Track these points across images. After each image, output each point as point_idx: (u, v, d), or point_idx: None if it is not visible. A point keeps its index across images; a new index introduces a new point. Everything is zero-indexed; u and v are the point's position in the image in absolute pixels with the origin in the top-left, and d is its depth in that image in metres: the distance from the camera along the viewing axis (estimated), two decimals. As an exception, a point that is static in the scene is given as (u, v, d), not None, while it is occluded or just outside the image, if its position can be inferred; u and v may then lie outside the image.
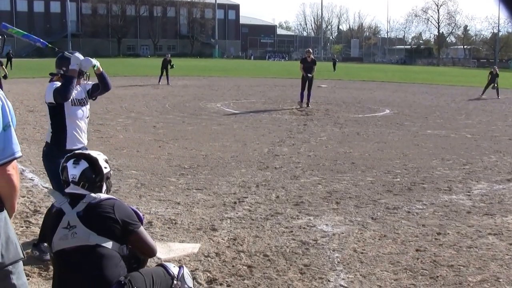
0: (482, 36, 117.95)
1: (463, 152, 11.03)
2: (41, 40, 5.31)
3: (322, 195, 7.44)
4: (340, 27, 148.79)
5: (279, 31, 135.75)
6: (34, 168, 8.68)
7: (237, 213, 6.51)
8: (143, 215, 3.33)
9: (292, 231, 5.88)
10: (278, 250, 5.30)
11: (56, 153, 4.99)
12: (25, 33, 5.27)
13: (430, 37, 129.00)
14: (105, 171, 3.35)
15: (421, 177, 8.65)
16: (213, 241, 5.54)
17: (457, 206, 7.02)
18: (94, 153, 3.38)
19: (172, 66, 29.70)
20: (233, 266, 4.88)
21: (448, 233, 5.93)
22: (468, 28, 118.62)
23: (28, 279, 4.47)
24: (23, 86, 22.17)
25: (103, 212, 3.14)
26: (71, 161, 3.30)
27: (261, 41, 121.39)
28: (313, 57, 19.33)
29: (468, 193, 7.74)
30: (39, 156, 9.58)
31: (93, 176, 3.28)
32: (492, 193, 7.80)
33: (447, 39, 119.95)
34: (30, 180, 7.94)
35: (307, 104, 19.00)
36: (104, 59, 52.64)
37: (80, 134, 5.26)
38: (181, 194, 7.31)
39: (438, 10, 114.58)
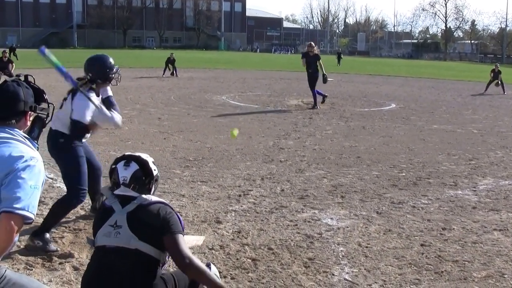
0: (489, 31, 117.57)
1: (469, 147, 10.98)
2: (73, 79, 5.36)
3: (327, 189, 7.42)
4: (347, 20, 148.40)
5: (286, 24, 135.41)
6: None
7: (241, 206, 6.50)
8: (183, 224, 3.27)
9: (296, 225, 5.87)
10: (283, 243, 5.28)
11: (77, 143, 5.24)
12: (59, 65, 5.30)
13: (437, 31, 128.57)
14: (154, 173, 3.36)
15: (427, 172, 8.62)
16: (217, 233, 5.53)
17: (462, 202, 6.99)
18: (143, 156, 3.38)
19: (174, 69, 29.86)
20: (237, 259, 4.87)
21: (453, 228, 5.91)
22: (475, 22, 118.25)
23: (31, 270, 4.48)
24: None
25: (149, 215, 3.13)
26: (122, 163, 3.31)
27: (267, 34, 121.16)
28: (316, 52, 17.35)
29: (474, 189, 7.71)
30: (43, 147, 9.61)
31: (143, 178, 3.29)
32: (498, 188, 7.77)
33: (454, 33, 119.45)
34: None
35: (314, 105, 17.21)
36: (110, 51, 52.59)
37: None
38: (186, 187, 7.30)
39: (445, 4, 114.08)
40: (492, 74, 26.52)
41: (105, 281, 3.05)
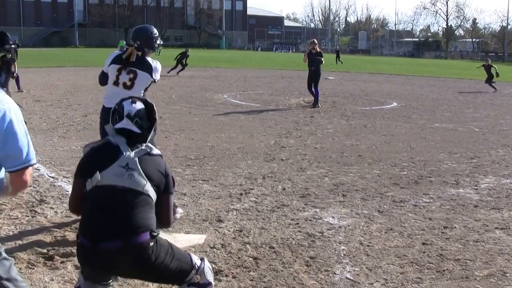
0: (491, 29, 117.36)
1: (470, 146, 10.97)
2: None
3: (328, 188, 7.41)
4: (348, 19, 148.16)
5: (287, 23, 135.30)
6: (40, 158, 8.68)
7: (243, 205, 6.49)
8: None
9: (298, 223, 5.87)
10: (284, 242, 5.28)
11: None
12: None
13: (438, 30, 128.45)
14: (156, 118, 3.52)
15: (428, 171, 8.61)
16: (219, 232, 5.53)
17: (464, 200, 6.99)
18: (151, 102, 3.55)
19: (186, 65, 29.90)
20: (239, 257, 4.87)
21: (455, 227, 5.90)
22: (476, 21, 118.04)
23: (32, 269, 4.48)
24: (30, 75, 22.20)
25: (160, 167, 3.35)
26: (129, 100, 3.46)
27: (269, 33, 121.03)
28: (318, 49, 17.38)
29: (476, 187, 7.70)
30: (46, 146, 9.64)
31: (146, 118, 3.43)
32: (500, 187, 7.76)
33: (455, 32, 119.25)
34: (36, 169, 7.93)
35: (315, 103, 17.18)
36: (111, 49, 52.68)
37: None
38: (187, 185, 7.30)
39: (446, 3, 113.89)
40: (486, 71, 26.67)
41: (108, 221, 3.17)
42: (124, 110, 3.39)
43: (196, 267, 3.50)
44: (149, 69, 5.75)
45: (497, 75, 26.32)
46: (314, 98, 17.24)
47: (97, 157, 3.33)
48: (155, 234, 3.23)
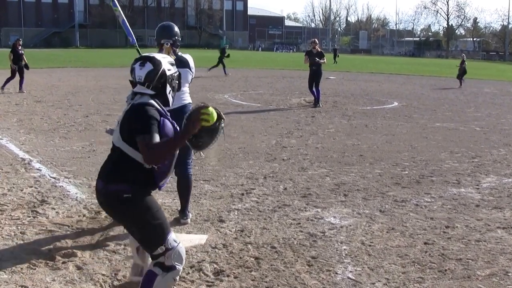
0: (491, 28, 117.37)
1: (472, 145, 10.96)
2: (133, 36, 5.86)
3: (330, 187, 7.41)
4: (349, 18, 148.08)
5: (287, 23, 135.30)
6: (42, 159, 8.69)
7: (244, 205, 6.49)
8: (168, 128, 3.52)
9: (299, 223, 5.86)
10: (286, 242, 5.28)
11: None
12: (124, 19, 6.33)
13: (439, 29, 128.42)
14: (168, 73, 3.59)
15: (430, 170, 8.60)
16: (220, 232, 5.52)
17: (465, 200, 6.98)
18: (158, 56, 3.63)
19: (227, 56, 30.22)
20: (240, 257, 4.86)
21: (457, 227, 5.89)
22: (477, 20, 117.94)
23: (34, 269, 4.48)
24: (31, 76, 22.17)
25: (130, 116, 3.44)
26: (138, 63, 3.56)
27: (269, 33, 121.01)
28: (319, 49, 17.46)
29: (477, 186, 7.69)
30: (47, 147, 9.65)
31: (157, 77, 3.53)
32: (501, 186, 7.75)
33: (456, 31, 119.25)
34: (38, 170, 7.95)
35: (316, 103, 17.06)
36: (112, 50, 52.59)
37: None
38: (189, 185, 7.28)
39: (447, 2, 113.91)
40: (461, 65, 27.98)
41: (102, 166, 3.60)
42: (136, 75, 3.55)
43: (167, 246, 3.48)
44: (186, 64, 5.76)
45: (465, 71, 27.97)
46: (315, 98, 17.22)
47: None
48: (134, 188, 3.43)
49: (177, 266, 3.52)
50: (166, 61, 3.62)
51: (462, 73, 27.84)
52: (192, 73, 5.88)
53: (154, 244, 3.48)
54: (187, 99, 5.83)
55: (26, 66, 19.71)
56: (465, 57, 29.62)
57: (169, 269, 3.49)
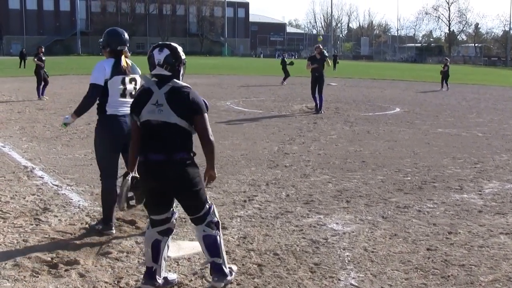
0: (493, 34, 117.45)
1: (474, 151, 10.95)
2: None
3: (332, 194, 7.40)
4: (350, 25, 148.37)
5: (289, 29, 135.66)
6: (44, 166, 8.70)
7: (247, 212, 6.49)
8: (209, 104, 4.30)
9: (302, 230, 5.86)
10: (288, 249, 5.27)
11: None
12: None
13: (440, 35, 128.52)
14: (182, 57, 4.21)
15: (432, 176, 8.60)
16: (223, 239, 5.51)
17: (468, 205, 6.97)
18: (174, 44, 4.23)
19: (291, 63, 30.42)
20: (243, 264, 4.86)
21: (459, 232, 5.88)
22: (479, 26, 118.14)
23: (37, 277, 4.48)
24: (33, 84, 22.19)
25: (183, 97, 4.05)
26: (157, 49, 4.14)
27: (271, 39, 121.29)
28: (318, 56, 17.23)
29: (480, 192, 7.68)
30: (49, 154, 9.67)
31: (173, 60, 4.13)
32: (504, 192, 7.73)
33: (458, 37, 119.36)
34: (40, 178, 7.96)
35: (318, 109, 17.09)
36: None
37: None
38: (191, 192, 7.28)
39: (449, 8, 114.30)
40: (444, 68, 29.22)
41: (155, 143, 4.07)
42: (155, 59, 4.10)
43: (209, 203, 4.30)
44: (138, 71, 5.72)
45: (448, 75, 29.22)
46: (318, 104, 17.21)
47: (137, 100, 4.18)
48: (191, 155, 4.15)
49: (219, 221, 4.34)
50: (180, 49, 4.21)
51: (445, 76, 29.03)
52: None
53: (203, 202, 4.24)
54: None
55: (46, 74, 20.25)
56: (448, 61, 30.81)
57: (217, 225, 4.29)
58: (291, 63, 29.89)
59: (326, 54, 17.77)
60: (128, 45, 5.69)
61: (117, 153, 5.60)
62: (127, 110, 5.42)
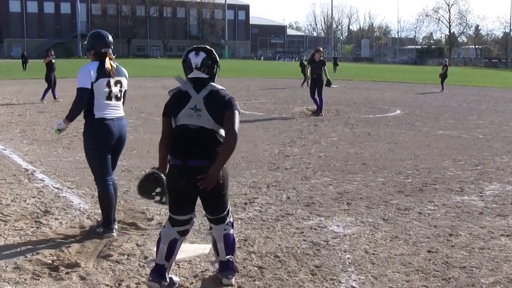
0: (493, 35, 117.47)
1: (475, 153, 10.95)
2: None
3: (333, 196, 7.40)
4: (351, 27, 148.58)
5: (289, 32, 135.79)
6: (45, 169, 8.70)
7: (247, 214, 6.49)
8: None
9: (303, 232, 5.86)
10: (289, 251, 5.27)
11: None
12: None
13: (441, 37, 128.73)
14: (217, 59, 4.27)
15: (433, 178, 8.60)
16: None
17: (469, 207, 6.97)
18: (208, 47, 4.29)
19: None
20: (244, 267, 4.86)
21: (460, 234, 5.88)
22: (479, 27, 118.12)
23: (37, 280, 4.48)
24: (34, 87, 22.26)
25: (219, 98, 4.13)
26: (193, 53, 4.19)
27: (271, 42, 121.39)
28: (321, 58, 17.34)
29: (480, 194, 7.68)
30: (50, 157, 9.67)
31: (210, 62, 4.21)
32: (505, 194, 7.73)
33: (458, 39, 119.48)
34: (41, 180, 7.96)
35: (318, 112, 17.18)
36: (116, 60, 52.92)
37: None
38: (192, 195, 7.28)
39: (449, 10, 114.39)
40: (444, 69, 29.45)
41: (194, 148, 4.10)
42: (192, 62, 4.15)
43: (228, 206, 4.46)
44: (124, 74, 5.71)
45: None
46: (318, 106, 17.22)
47: (173, 102, 4.19)
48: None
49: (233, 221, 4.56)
50: (214, 51, 4.29)
51: (443, 78, 29.28)
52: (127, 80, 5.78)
53: (226, 203, 4.40)
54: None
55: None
56: (447, 62, 31.34)
57: (232, 225, 4.51)
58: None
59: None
60: (112, 47, 5.68)
61: (108, 156, 5.62)
62: (114, 113, 5.53)
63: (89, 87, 5.40)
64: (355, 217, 6.44)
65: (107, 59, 5.54)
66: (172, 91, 4.26)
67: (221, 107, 4.10)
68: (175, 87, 4.28)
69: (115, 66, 5.61)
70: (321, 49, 18.12)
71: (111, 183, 5.66)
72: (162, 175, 4.27)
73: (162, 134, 4.27)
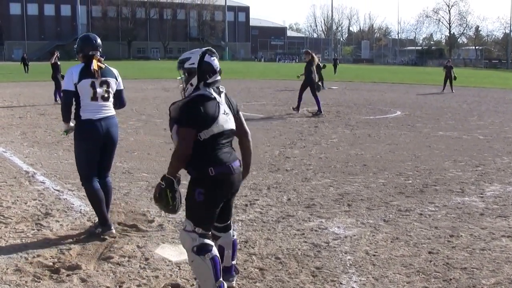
0: (493, 36, 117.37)
1: (475, 154, 10.95)
2: None
3: (333, 197, 7.40)
4: (351, 28, 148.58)
5: (289, 33, 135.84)
6: (45, 171, 8.71)
7: (248, 216, 6.49)
8: None
9: (303, 234, 5.86)
10: (290, 253, 5.27)
11: None
12: None
13: (441, 38, 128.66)
14: None
15: (433, 179, 8.59)
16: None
17: (470, 208, 6.96)
18: (211, 48, 4.20)
19: (323, 67, 30.01)
20: (244, 269, 4.86)
21: (461, 235, 5.88)
22: (479, 28, 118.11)
23: (38, 282, 4.48)
24: (34, 89, 22.30)
25: (232, 102, 4.22)
26: (208, 56, 4.06)
27: (271, 43, 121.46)
28: (307, 59, 18.02)
29: (481, 195, 7.68)
30: (51, 159, 9.68)
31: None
32: (505, 194, 7.73)
33: (458, 39, 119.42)
34: (42, 183, 7.97)
35: (318, 112, 17.42)
36: (114, 62, 52.91)
37: None
38: (192, 197, 7.28)
39: (449, 11, 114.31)
40: (445, 70, 29.33)
41: (233, 151, 4.18)
42: (214, 65, 4.04)
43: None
44: (114, 74, 5.75)
45: (455, 78, 29.13)
46: (317, 107, 17.50)
47: (206, 112, 3.93)
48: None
49: None
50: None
51: (446, 78, 29.24)
52: (119, 83, 5.82)
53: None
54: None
55: (62, 77, 20.56)
56: (450, 62, 31.17)
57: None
58: (324, 66, 29.72)
59: (319, 64, 18.17)
60: (100, 50, 5.73)
61: (96, 157, 5.64)
62: (101, 114, 5.58)
63: (72, 89, 5.52)
64: (355, 219, 6.44)
65: (94, 60, 5.58)
66: (178, 102, 4.00)
67: (235, 108, 4.21)
68: (182, 95, 4.12)
69: (103, 67, 5.63)
70: (309, 51, 18.67)
71: (96, 181, 5.69)
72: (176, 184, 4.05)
73: (185, 149, 3.88)
